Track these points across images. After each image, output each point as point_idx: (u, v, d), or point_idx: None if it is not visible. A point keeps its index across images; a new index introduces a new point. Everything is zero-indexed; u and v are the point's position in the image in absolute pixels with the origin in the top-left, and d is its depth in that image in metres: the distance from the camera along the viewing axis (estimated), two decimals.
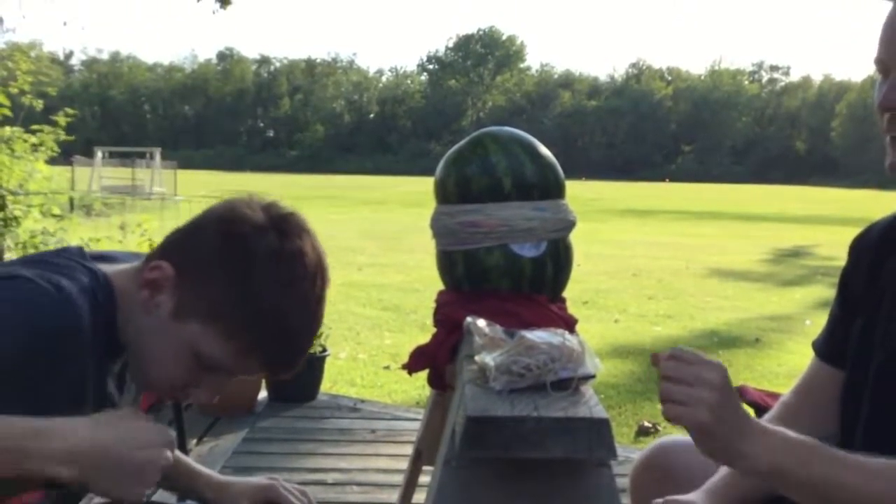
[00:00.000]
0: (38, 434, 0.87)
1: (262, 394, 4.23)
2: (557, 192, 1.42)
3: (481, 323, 1.24)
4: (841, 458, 1.03)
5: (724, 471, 1.36)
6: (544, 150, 1.45)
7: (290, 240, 1.05)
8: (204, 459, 3.41)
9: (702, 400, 0.99)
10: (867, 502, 1.00)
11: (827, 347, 1.40)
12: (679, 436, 1.68)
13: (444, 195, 1.43)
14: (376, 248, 12.49)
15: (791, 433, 1.06)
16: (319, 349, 4.31)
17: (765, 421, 1.45)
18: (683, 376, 0.99)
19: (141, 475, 0.91)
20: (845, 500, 1.01)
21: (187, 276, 1.03)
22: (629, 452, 3.32)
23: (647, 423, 4.15)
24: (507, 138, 1.42)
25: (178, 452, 1.38)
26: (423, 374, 1.71)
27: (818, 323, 1.57)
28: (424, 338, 1.58)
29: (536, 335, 1.12)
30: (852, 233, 1.48)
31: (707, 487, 1.29)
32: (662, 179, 57.76)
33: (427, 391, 4.15)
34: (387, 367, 5.25)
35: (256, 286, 1.01)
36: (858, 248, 1.40)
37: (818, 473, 1.01)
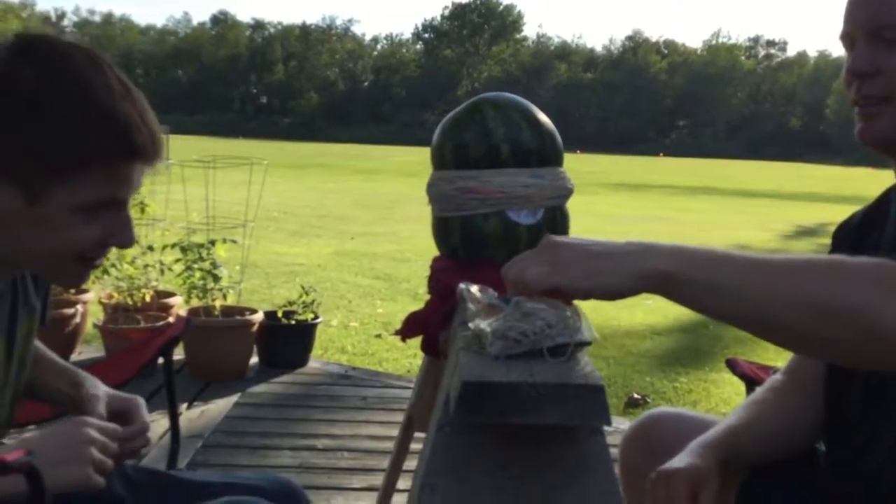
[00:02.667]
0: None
1: (254, 359, 4.24)
2: (555, 159, 1.41)
3: (474, 289, 1.24)
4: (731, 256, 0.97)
5: (720, 426, 1.37)
6: (543, 117, 1.43)
7: (47, 57, 0.97)
8: (194, 424, 3.42)
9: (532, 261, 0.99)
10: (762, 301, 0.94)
11: None
12: (668, 407, 1.70)
13: (440, 161, 1.42)
14: (369, 217, 12.47)
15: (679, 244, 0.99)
16: (311, 316, 4.32)
17: (755, 400, 1.46)
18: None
19: (80, 454, 0.98)
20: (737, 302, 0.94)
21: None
22: (618, 423, 3.34)
23: (636, 395, 4.18)
24: (505, 104, 1.41)
25: (40, 348, 1.33)
26: (413, 343, 1.70)
27: None
28: (416, 307, 1.57)
29: (532, 302, 1.12)
30: (847, 210, 1.49)
31: (701, 441, 1.30)
32: (657, 154, 57.73)
33: (418, 360, 4.16)
34: (378, 336, 5.26)
35: (53, 114, 0.94)
36: (841, 232, 1.44)
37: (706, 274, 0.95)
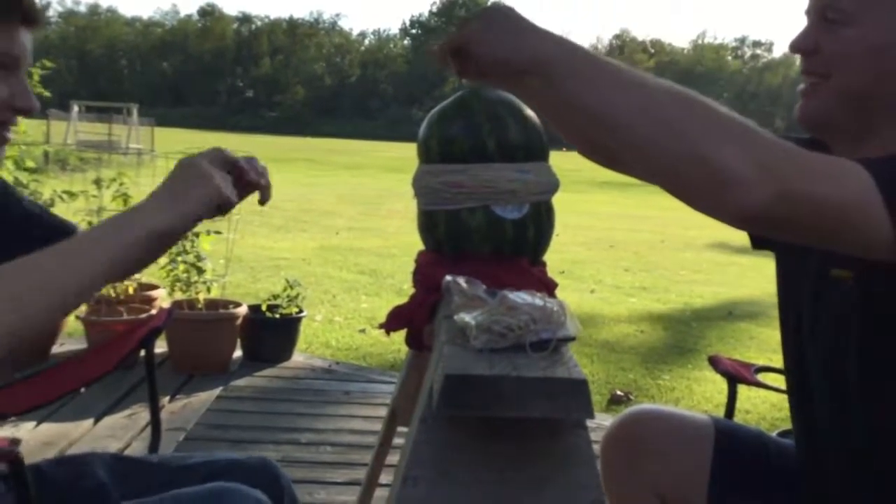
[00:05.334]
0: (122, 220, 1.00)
1: (237, 353, 4.23)
2: (541, 154, 1.41)
3: (461, 280, 1.24)
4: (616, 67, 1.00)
5: None
6: (529, 113, 1.43)
7: None
8: (177, 416, 3.41)
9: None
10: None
11: None
12: (649, 405, 1.70)
13: (427, 155, 1.42)
14: (355, 213, 12.45)
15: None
16: (296, 310, 4.31)
17: None
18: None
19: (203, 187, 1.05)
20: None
21: None
22: (601, 420, 3.36)
23: (619, 392, 4.19)
24: (492, 99, 1.40)
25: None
26: (397, 338, 1.70)
27: None
28: (400, 302, 1.57)
29: (518, 296, 1.12)
30: None
31: None
32: None
33: (402, 355, 4.15)
34: (362, 331, 5.25)
35: None
36: None
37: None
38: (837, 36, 1.15)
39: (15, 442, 1.04)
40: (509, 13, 1.05)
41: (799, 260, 1.30)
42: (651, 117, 0.95)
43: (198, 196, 1.05)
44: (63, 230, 1.30)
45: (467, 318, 1.09)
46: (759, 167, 0.91)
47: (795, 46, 1.20)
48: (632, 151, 0.98)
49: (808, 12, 1.21)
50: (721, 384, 4.09)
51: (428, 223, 1.42)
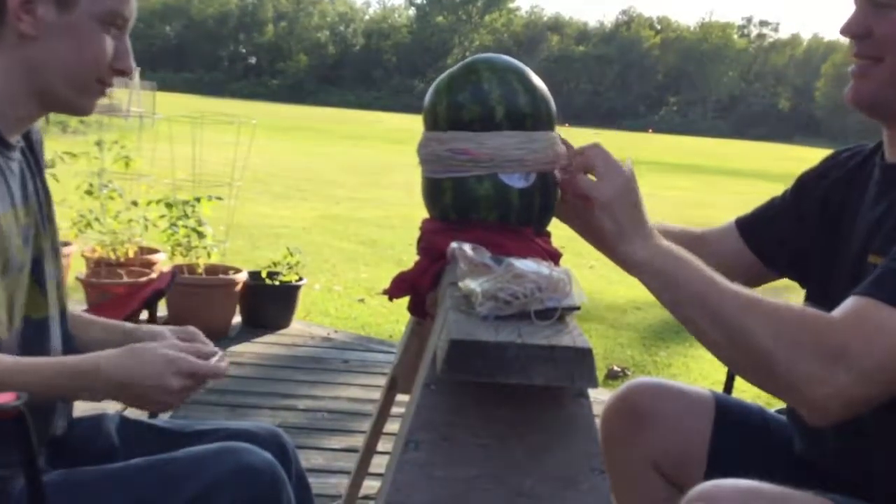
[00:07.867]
0: (74, 376, 1.17)
1: (236, 319, 4.24)
2: (549, 123, 1.40)
3: (467, 247, 1.23)
4: (719, 281, 1.14)
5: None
6: (538, 81, 1.42)
7: None
8: None
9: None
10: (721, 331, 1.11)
11: (747, 220, 1.62)
12: (647, 378, 1.71)
13: (433, 122, 1.40)
14: (356, 183, 12.42)
15: (682, 250, 1.23)
16: (296, 277, 4.31)
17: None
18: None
19: (156, 398, 1.18)
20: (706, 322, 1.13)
21: None
22: (598, 395, 3.38)
23: (616, 368, 4.21)
24: (501, 66, 1.39)
25: (83, 314, 1.52)
26: (396, 309, 1.69)
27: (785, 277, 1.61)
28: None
29: (524, 264, 1.12)
30: None
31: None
32: (645, 130, 57.71)
33: (400, 325, 4.15)
34: (361, 300, 5.26)
35: None
36: (808, 180, 1.59)
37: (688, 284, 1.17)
38: (889, 19, 1.17)
39: (20, 397, 1.04)
40: (634, 208, 1.30)
41: (835, 245, 1.34)
42: (725, 333, 1.09)
43: (145, 401, 1.19)
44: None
45: (473, 284, 1.09)
46: (827, 368, 1.00)
47: (847, 30, 1.22)
48: (710, 349, 1.17)
49: None
50: (717, 362, 4.10)
51: (434, 191, 1.41)
